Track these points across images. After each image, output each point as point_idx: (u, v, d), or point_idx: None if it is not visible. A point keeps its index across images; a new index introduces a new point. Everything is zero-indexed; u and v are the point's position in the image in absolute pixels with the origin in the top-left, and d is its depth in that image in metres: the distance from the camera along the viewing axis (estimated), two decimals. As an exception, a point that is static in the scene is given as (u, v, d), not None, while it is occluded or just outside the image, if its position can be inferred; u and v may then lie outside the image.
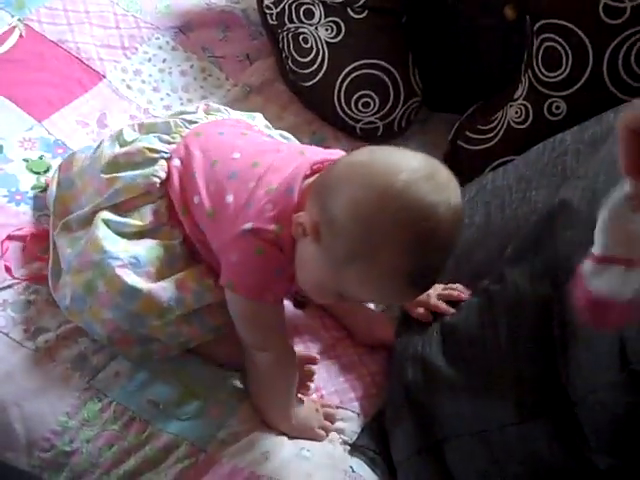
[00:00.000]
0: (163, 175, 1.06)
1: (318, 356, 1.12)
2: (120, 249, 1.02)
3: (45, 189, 1.17)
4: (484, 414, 1.00)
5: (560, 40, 1.30)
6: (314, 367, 1.11)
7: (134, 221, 1.04)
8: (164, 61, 1.44)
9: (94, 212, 1.05)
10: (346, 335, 1.18)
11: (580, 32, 1.28)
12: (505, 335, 1.02)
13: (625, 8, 1.24)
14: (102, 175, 1.07)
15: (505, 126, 1.38)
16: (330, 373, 1.13)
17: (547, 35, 1.31)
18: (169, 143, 1.09)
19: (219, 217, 1.02)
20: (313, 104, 1.47)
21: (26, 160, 1.21)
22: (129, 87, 1.38)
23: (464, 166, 1.34)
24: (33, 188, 1.19)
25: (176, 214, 1.05)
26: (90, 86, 1.35)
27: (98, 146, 1.13)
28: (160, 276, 1.03)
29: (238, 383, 1.08)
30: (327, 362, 1.14)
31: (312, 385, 1.11)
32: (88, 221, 1.06)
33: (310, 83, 1.45)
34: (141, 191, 1.05)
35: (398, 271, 0.90)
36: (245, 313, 1.01)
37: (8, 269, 1.09)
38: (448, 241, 0.92)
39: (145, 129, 1.12)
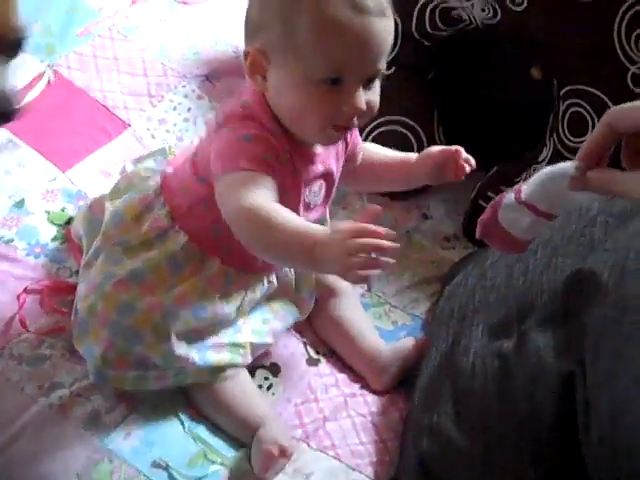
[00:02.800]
0: (154, 185, 1.07)
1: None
2: (119, 267, 1.03)
3: (64, 241, 1.18)
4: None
5: (587, 106, 1.29)
6: None
7: (136, 233, 1.05)
8: (189, 110, 1.44)
9: (106, 243, 1.06)
10: (358, 391, 1.16)
11: (607, 99, 1.27)
12: (525, 409, 1.00)
13: (653, 79, 1.24)
14: (107, 203, 1.09)
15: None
16: (345, 432, 1.12)
17: (573, 100, 1.30)
18: (163, 163, 1.13)
19: (200, 146, 1.03)
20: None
21: (47, 212, 1.22)
22: (153, 136, 1.39)
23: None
24: (53, 240, 1.20)
25: (180, 218, 1.05)
26: (115, 134, 1.36)
27: None
28: (159, 288, 1.03)
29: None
30: (341, 422, 1.13)
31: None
32: (100, 252, 1.07)
33: (334, 136, 1.45)
34: (139, 208, 1.06)
35: (325, 1, 0.89)
36: (224, 194, 0.95)
37: (23, 323, 1.10)
38: None
39: (142, 158, 1.18)
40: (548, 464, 0.96)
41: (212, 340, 1.07)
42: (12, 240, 1.19)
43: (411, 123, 1.41)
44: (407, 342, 1.19)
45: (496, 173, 1.44)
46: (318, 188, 1.05)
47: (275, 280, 1.13)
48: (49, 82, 1.38)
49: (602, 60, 1.26)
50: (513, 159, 1.43)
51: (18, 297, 1.11)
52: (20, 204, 1.23)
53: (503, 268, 1.18)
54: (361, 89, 0.94)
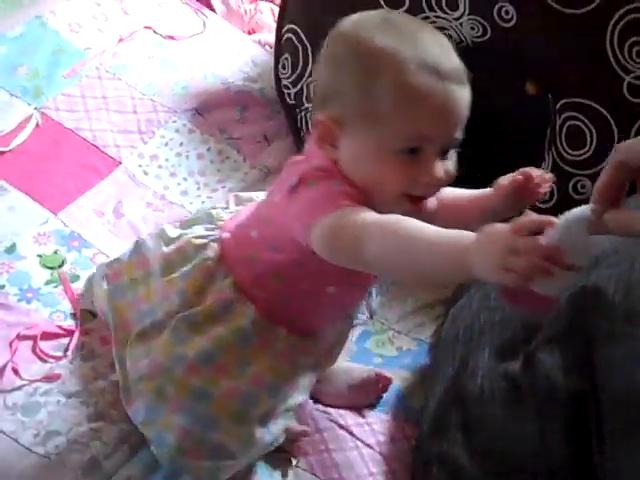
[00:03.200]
0: (213, 254, 1.01)
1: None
2: (188, 348, 0.98)
3: (58, 284, 1.16)
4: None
5: (584, 118, 1.27)
6: None
7: (200, 308, 1.00)
8: (181, 145, 1.43)
9: (168, 317, 1.01)
10: (363, 420, 1.14)
11: (604, 111, 1.25)
12: (536, 431, 0.98)
13: (650, 86, 1.22)
14: (162, 279, 1.03)
15: (529, 206, 1.34)
16: (353, 462, 1.09)
17: (570, 113, 1.28)
18: (214, 229, 1.05)
19: (276, 214, 0.95)
20: (332, 184, 1.44)
21: (40, 255, 1.20)
22: (146, 173, 1.38)
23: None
24: (47, 283, 1.18)
25: (245, 288, 1.00)
26: (106, 173, 1.35)
27: (136, 247, 1.10)
28: (231, 366, 0.98)
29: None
30: (348, 452, 1.10)
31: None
32: (163, 328, 1.01)
33: (329, 163, 1.44)
34: (200, 280, 1.01)
35: (406, 69, 0.86)
36: (331, 234, 0.86)
37: (16, 371, 1.07)
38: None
39: (186, 224, 1.09)
40: None
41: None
42: (3, 287, 1.17)
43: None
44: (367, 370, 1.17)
45: (495, 191, 1.42)
46: None
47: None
48: (37, 125, 1.37)
49: (596, 71, 1.25)
50: (512, 176, 1.41)
51: (10, 344, 1.09)
52: (11, 249, 1.21)
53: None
54: (438, 158, 0.90)
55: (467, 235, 0.78)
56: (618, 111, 1.25)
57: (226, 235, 1.02)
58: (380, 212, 0.90)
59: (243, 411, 0.98)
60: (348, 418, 1.14)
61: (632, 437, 0.91)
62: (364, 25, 0.89)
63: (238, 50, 1.62)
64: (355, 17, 0.92)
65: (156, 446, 1.00)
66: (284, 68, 1.47)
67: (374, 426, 1.14)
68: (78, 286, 1.19)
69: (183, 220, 1.12)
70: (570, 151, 1.30)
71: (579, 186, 1.30)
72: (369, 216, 0.85)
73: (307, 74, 1.43)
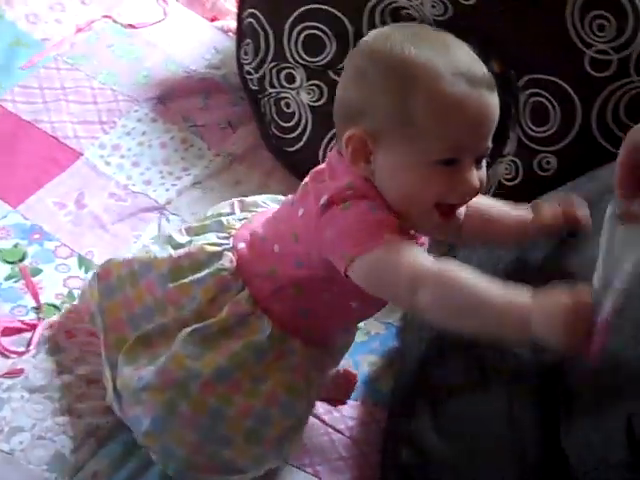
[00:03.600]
0: (228, 265, 0.98)
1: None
2: (203, 364, 0.95)
3: (20, 278, 1.13)
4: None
5: (547, 94, 1.27)
6: None
7: (216, 319, 0.97)
8: (143, 134, 1.41)
9: (177, 325, 0.98)
10: (334, 407, 1.13)
11: (567, 86, 1.25)
12: (504, 411, 0.97)
13: (611, 60, 1.21)
14: (170, 284, 0.99)
15: (495, 184, 1.34)
16: (324, 448, 1.09)
17: (534, 90, 1.28)
18: (227, 238, 1.02)
19: (302, 231, 0.93)
20: (298, 169, 1.43)
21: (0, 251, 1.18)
22: (108, 163, 1.35)
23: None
24: (7, 279, 1.15)
25: (262, 302, 0.97)
26: (67, 165, 1.33)
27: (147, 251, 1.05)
28: (246, 381, 0.96)
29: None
30: (319, 439, 1.10)
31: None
32: (171, 335, 0.98)
33: (294, 148, 1.42)
34: (216, 290, 0.98)
35: (441, 78, 0.85)
36: (378, 270, 0.86)
37: (-22, 368, 1.05)
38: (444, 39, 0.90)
39: (195, 231, 1.06)
40: (532, 466, 0.94)
41: None
42: (-37, 284, 1.15)
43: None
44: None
45: (462, 171, 1.41)
46: None
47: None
48: (-6, 118, 1.34)
49: (558, 47, 1.24)
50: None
51: (-29, 342, 1.07)
52: (-31, 245, 1.19)
53: (475, 267, 1.14)
54: (474, 167, 0.89)
55: (527, 299, 0.80)
56: (581, 86, 1.25)
57: (242, 246, 0.99)
58: (411, 226, 0.91)
59: (256, 430, 0.96)
60: (319, 406, 1.12)
61: (601, 410, 0.90)
62: (395, 38, 0.88)
63: (200, 37, 1.60)
64: (386, 30, 0.92)
65: (162, 457, 0.98)
66: (246, 54, 1.45)
67: (344, 412, 1.13)
68: (40, 279, 1.17)
69: (189, 227, 1.08)
70: (534, 128, 1.29)
71: (544, 163, 1.29)
72: (421, 257, 0.85)
73: (269, 59, 1.41)
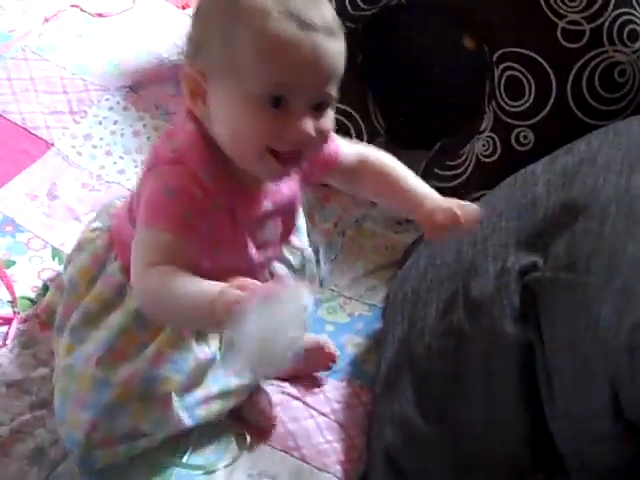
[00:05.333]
0: (102, 242, 1.00)
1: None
2: (90, 343, 0.96)
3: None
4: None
5: (521, 68, 1.25)
6: None
7: (92, 297, 0.98)
8: (115, 123, 1.39)
9: (64, 317, 1.00)
10: (319, 390, 1.12)
11: (540, 58, 1.24)
12: (484, 386, 0.97)
13: (584, 31, 1.20)
14: (62, 276, 1.03)
15: (474, 160, 1.33)
16: (309, 432, 1.07)
17: (507, 64, 1.27)
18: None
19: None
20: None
21: (-30, 243, 1.16)
22: (79, 153, 1.33)
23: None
24: (-21, 272, 1.14)
25: None
26: (38, 156, 1.31)
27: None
28: (131, 349, 0.96)
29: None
30: (304, 422, 1.08)
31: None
32: (63, 327, 1.00)
33: (268, 131, 1.41)
34: (93, 271, 0.99)
35: (267, 17, 0.82)
36: (136, 242, 0.88)
37: (-48, 362, 1.04)
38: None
39: (91, 222, 1.08)
40: (516, 444, 0.93)
41: (201, 393, 1.01)
42: None
43: (345, 108, 1.36)
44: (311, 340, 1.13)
45: (440, 149, 1.40)
46: (273, 225, 0.97)
47: None
48: (-39, 110, 1.32)
49: (529, 19, 1.23)
50: (455, 133, 1.39)
51: (-56, 336, 1.05)
52: (-61, 239, 1.17)
53: (453, 244, 1.14)
54: (308, 115, 0.85)
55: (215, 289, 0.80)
56: (554, 58, 1.23)
57: (114, 223, 1.00)
58: (247, 171, 0.89)
59: (148, 392, 0.96)
60: (302, 388, 1.12)
61: (581, 387, 0.90)
62: None
63: (171, 24, 1.58)
64: None
65: (68, 448, 0.98)
66: (217, 39, 1.43)
67: (328, 394, 1.12)
68: (13, 272, 1.15)
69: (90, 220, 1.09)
70: (510, 102, 1.28)
71: (521, 137, 1.28)
72: (159, 259, 0.84)
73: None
